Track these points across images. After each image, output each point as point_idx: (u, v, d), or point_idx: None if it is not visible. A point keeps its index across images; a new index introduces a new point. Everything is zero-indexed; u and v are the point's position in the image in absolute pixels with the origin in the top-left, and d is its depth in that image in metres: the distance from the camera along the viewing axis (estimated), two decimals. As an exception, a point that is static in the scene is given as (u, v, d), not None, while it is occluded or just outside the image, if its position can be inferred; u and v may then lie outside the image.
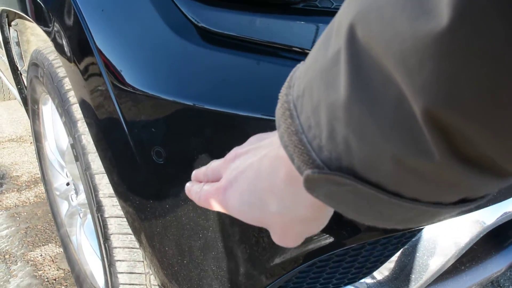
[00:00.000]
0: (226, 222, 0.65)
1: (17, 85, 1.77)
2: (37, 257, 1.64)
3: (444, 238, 0.78)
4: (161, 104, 0.64)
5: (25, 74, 1.54)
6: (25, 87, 1.69)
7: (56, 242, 1.73)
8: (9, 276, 1.53)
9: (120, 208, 0.81)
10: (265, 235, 0.64)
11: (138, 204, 0.76)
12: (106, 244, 0.86)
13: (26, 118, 3.22)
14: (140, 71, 0.67)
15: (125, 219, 0.82)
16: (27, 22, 1.37)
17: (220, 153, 0.63)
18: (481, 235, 0.82)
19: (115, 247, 0.85)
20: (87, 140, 0.87)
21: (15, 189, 2.15)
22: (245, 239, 0.65)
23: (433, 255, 0.79)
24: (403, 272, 0.80)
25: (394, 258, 0.80)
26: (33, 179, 2.26)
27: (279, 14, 0.65)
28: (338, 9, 0.66)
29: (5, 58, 1.76)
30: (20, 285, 1.49)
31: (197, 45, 0.63)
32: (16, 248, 1.69)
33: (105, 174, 0.82)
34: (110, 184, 0.81)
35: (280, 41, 0.63)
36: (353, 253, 0.71)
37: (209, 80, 0.61)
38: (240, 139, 0.61)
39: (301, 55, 0.63)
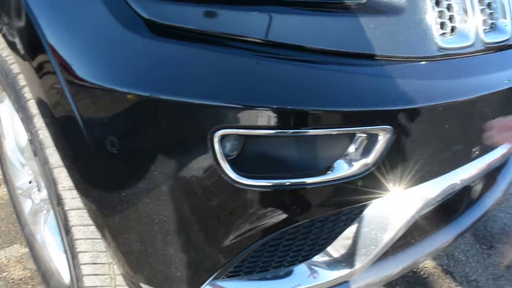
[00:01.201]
0: (181, 207, 0.68)
1: (-28, 85, 1.73)
2: (1, 259, 1.62)
3: (392, 212, 0.83)
4: (114, 96, 0.66)
5: (-20, 73, 1.51)
6: (-19, 87, 1.65)
7: (21, 242, 1.71)
8: (-27, 280, 1.51)
9: (80, 200, 0.83)
10: (218, 215, 0.67)
11: (99, 198, 0.78)
12: (68, 237, 0.87)
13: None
14: (91, 65, 0.69)
15: (85, 211, 0.84)
16: (-22, 19, 1.34)
17: (170, 140, 0.66)
18: (428, 207, 0.87)
19: (77, 239, 0.86)
20: (45, 135, 0.88)
21: (-23, 192, 2.10)
22: (200, 221, 0.68)
23: (383, 229, 0.83)
24: (356, 248, 0.84)
25: (350, 235, 0.84)
26: (-5, 181, 2.21)
27: (225, 5, 0.68)
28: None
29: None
30: (-15, 288, 1.47)
31: (146, 37, 0.65)
32: (-21, 252, 1.66)
33: (64, 168, 0.83)
34: (69, 177, 0.82)
35: (227, 31, 0.66)
36: (304, 231, 0.75)
37: (157, 71, 0.64)
38: (189, 126, 0.64)
39: (247, 43, 0.66)
